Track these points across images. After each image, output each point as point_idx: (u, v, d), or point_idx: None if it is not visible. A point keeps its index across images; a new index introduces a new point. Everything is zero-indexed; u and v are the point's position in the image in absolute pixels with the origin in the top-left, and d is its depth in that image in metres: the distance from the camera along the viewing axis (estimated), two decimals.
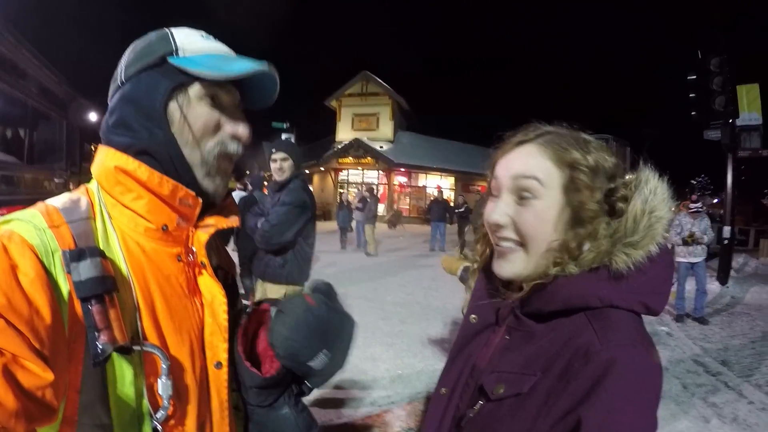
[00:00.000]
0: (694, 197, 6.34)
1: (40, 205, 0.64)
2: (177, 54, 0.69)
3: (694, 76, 9.20)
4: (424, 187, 24.05)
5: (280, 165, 2.80)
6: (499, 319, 0.76)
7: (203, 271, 0.74)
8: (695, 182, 46.84)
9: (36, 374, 0.49)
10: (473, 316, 0.80)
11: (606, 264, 0.64)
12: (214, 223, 0.75)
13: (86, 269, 0.57)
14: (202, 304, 0.73)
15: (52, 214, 0.61)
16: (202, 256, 0.74)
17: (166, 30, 0.72)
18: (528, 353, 0.67)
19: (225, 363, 0.74)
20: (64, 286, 0.57)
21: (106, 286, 0.58)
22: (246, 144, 0.76)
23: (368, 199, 11.52)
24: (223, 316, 0.73)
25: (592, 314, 0.63)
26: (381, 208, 13.97)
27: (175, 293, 0.69)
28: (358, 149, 22.57)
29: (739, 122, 8.74)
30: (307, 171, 25.22)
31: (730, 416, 3.37)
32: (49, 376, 0.50)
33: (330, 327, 0.76)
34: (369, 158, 22.56)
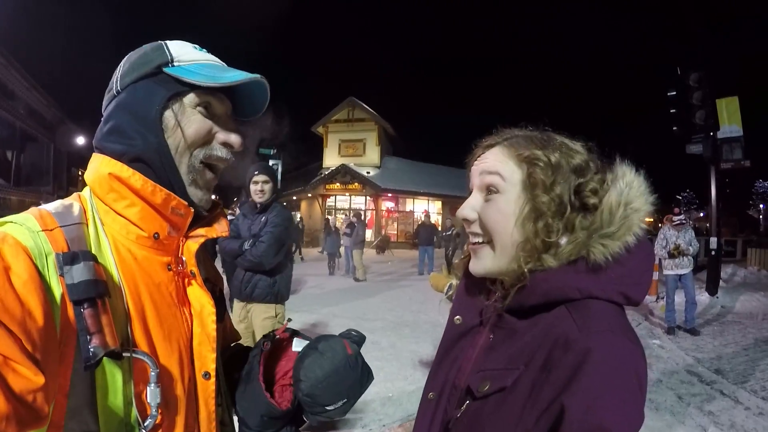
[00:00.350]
0: (677, 210, 6.47)
1: (32, 209, 0.65)
2: (172, 64, 0.71)
3: (674, 92, 9.45)
4: (412, 211, 24.12)
5: (261, 187, 2.84)
6: (483, 319, 0.76)
7: (193, 281, 0.75)
8: (680, 197, 47.82)
9: (27, 378, 0.49)
10: (457, 317, 0.80)
11: (584, 256, 0.64)
12: (204, 233, 0.77)
13: (79, 272, 0.57)
14: (191, 314, 0.74)
15: (45, 217, 0.61)
16: (192, 266, 0.75)
17: (161, 42, 0.74)
18: (512, 349, 0.67)
19: (213, 374, 0.74)
20: (57, 289, 0.57)
21: (98, 290, 0.58)
22: (238, 150, 0.77)
23: (356, 225, 11.53)
24: (212, 326, 0.74)
25: (573, 306, 0.64)
26: (369, 234, 13.94)
27: (164, 302, 0.69)
28: (345, 175, 22.64)
29: (720, 135, 8.91)
30: (294, 197, 25.21)
31: (727, 423, 3.34)
32: (40, 379, 0.49)
33: (357, 380, 0.78)
34: (356, 184, 22.61)
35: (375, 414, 3.38)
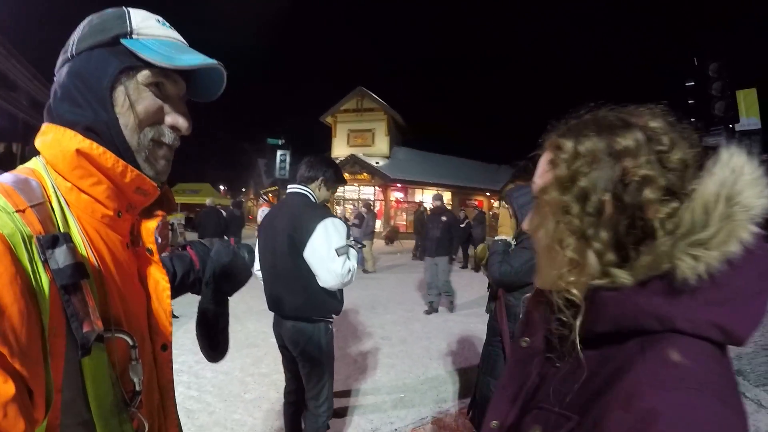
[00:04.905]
0: None
1: None
2: (131, 36, 0.68)
3: (692, 83, 9.24)
4: (421, 202, 23.95)
5: None
6: (551, 345, 0.66)
7: (150, 257, 0.78)
8: None
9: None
10: (524, 339, 0.72)
11: (668, 271, 0.49)
12: (160, 212, 0.80)
13: (62, 256, 0.54)
14: (147, 290, 0.76)
15: (12, 196, 0.56)
16: (151, 243, 0.78)
17: (124, 9, 0.70)
18: (574, 387, 0.56)
19: (170, 345, 0.78)
20: (44, 276, 0.53)
21: (82, 273, 0.56)
22: (185, 135, 0.75)
23: (365, 216, 11.39)
24: (167, 301, 0.77)
25: (649, 341, 0.50)
26: (378, 224, 13.78)
27: (128, 279, 0.69)
28: (354, 165, 22.50)
29: (738, 127, 8.72)
30: None
31: (751, 427, 3.18)
32: (10, 389, 0.45)
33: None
34: (365, 174, 22.50)
35: (386, 416, 3.27)
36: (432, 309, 6.50)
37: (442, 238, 6.65)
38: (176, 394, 0.84)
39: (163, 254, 1.01)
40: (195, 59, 0.69)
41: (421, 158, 24.65)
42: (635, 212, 0.53)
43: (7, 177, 0.61)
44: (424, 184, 23.29)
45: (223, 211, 9.91)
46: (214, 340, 1.04)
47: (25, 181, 0.61)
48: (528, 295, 1.87)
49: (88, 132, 0.64)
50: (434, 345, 4.97)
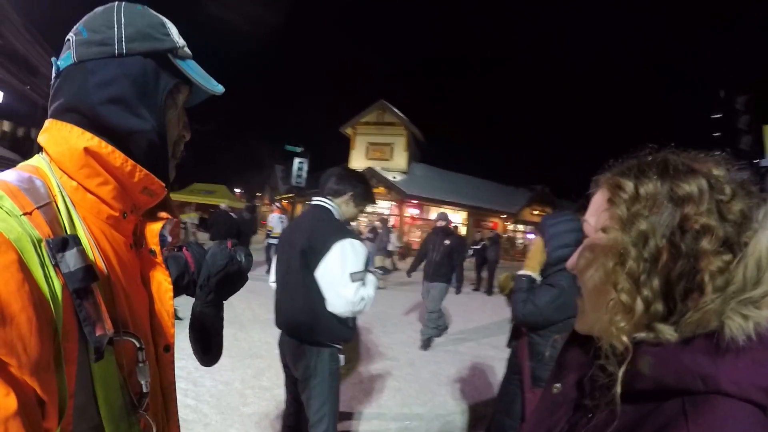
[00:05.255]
0: None
1: None
2: (176, 53, 0.72)
3: (720, 115, 9.08)
4: (435, 220, 23.72)
5: None
6: (585, 392, 0.63)
7: (153, 259, 0.77)
8: None
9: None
10: (556, 385, 0.69)
11: (716, 330, 0.48)
12: (164, 214, 0.81)
13: (73, 259, 0.53)
14: (150, 291, 0.76)
15: (19, 197, 0.54)
16: (154, 245, 0.78)
17: (161, 19, 0.72)
18: None
19: (172, 346, 0.78)
20: (56, 281, 0.51)
21: (93, 276, 0.55)
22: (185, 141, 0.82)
23: (379, 230, 11.25)
24: (169, 303, 0.77)
25: (691, 402, 0.48)
26: (393, 238, 13.55)
27: (132, 280, 0.69)
28: (371, 179, 22.43)
29: (763, 162, 8.52)
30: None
31: None
32: (11, 404, 0.43)
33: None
34: (381, 188, 22.41)
35: None
36: (424, 343, 5.62)
37: (441, 263, 5.77)
38: None
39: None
40: (220, 86, 0.76)
41: (438, 176, 24.50)
42: (689, 262, 0.51)
43: (10, 176, 0.58)
44: (439, 202, 23.11)
45: (234, 215, 9.94)
46: (206, 344, 1.02)
47: (30, 180, 0.59)
48: (558, 336, 1.69)
49: (102, 137, 0.64)
50: (443, 370, 4.76)
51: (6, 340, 0.44)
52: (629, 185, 0.57)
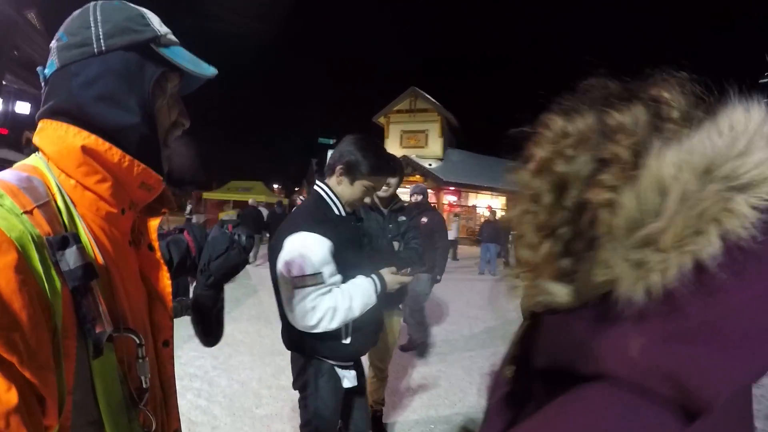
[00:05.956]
0: None
1: None
2: (159, 41, 0.70)
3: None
4: (474, 206, 23.10)
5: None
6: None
7: (152, 255, 0.79)
8: None
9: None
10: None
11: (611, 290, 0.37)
12: (163, 208, 0.83)
13: (73, 257, 0.53)
14: (149, 286, 0.76)
15: (18, 195, 0.54)
16: (153, 240, 0.80)
17: (139, 10, 0.71)
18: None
19: (171, 341, 0.80)
20: (57, 279, 0.52)
21: (92, 274, 0.55)
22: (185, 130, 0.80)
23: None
24: (168, 298, 0.78)
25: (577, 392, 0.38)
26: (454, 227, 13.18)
27: (131, 276, 0.70)
28: (407, 167, 22.08)
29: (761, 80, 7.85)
30: None
31: None
32: (12, 398, 0.44)
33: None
34: (417, 176, 22.02)
35: None
36: (408, 345, 4.63)
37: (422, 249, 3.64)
38: (185, 402, 0.63)
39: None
40: (211, 69, 0.75)
41: (475, 161, 23.74)
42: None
43: (9, 175, 0.59)
44: (478, 188, 22.45)
45: (263, 210, 10.08)
46: (207, 327, 1.03)
47: (28, 179, 0.59)
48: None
49: (99, 134, 0.64)
50: (476, 365, 4.41)
51: (8, 337, 0.44)
52: (557, 123, 0.51)
